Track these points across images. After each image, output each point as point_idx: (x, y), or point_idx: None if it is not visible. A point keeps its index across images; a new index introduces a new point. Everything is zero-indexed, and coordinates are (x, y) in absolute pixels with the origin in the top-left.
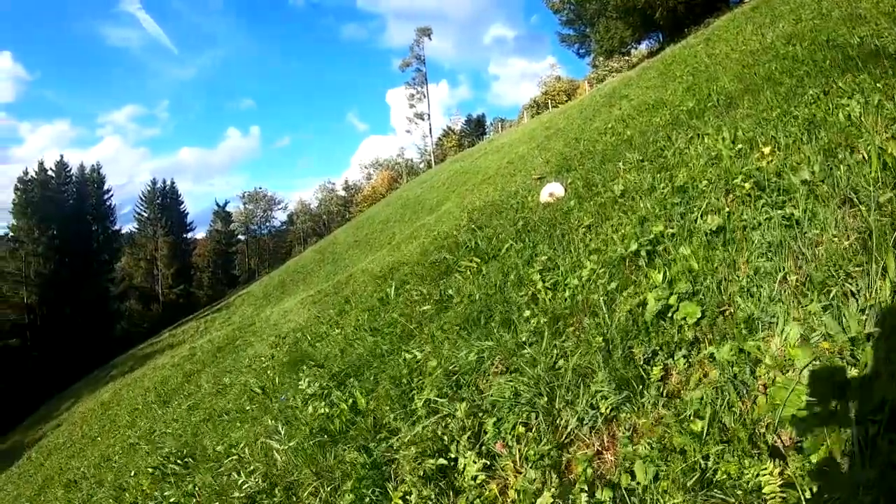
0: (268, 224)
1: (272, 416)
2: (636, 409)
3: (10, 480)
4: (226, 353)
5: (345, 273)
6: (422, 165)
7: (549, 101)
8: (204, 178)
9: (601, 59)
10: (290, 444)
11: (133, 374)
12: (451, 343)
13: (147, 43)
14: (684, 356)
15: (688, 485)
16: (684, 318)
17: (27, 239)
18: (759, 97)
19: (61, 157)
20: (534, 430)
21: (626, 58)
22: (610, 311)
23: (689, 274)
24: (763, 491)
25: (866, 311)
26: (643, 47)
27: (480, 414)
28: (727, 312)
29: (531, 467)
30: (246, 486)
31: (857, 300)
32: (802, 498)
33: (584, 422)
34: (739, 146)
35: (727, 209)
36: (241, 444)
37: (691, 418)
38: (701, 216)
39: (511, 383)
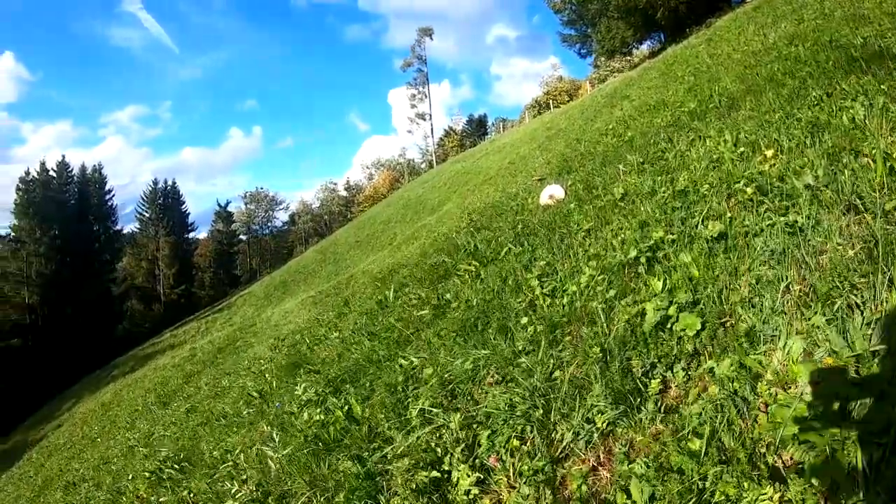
0: (269, 224)
1: (268, 421)
2: (633, 423)
3: (11, 481)
4: (226, 354)
5: (346, 274)
6: (423, 165)
7: (551, 102)
8: (206, 178)
9: (603, 59)
10: (285, 452)
11: (134, 375)
12: (448, 350)
13: (149, 43)
14: (683, 369)
15: None
16: (684, 330)
17: (29, 239)
18: (761, 98)
19: (63, 157)
20: (528, 443)
21: (628, 58)
22: (608, 320)
23: (690, 282)
24: None
25: (872, 326)
26: (645, 47)
27: (475, 425)
28: (728, 324)
29: (525, 483)
30: (240, 494)
31: (862, 313)
32: None
33: (580, 436)
34: (741, 149)
35: (729, 214)
36: (237, 450)
37: (689, 436)
38: (702, 221)
39: (506, 395)
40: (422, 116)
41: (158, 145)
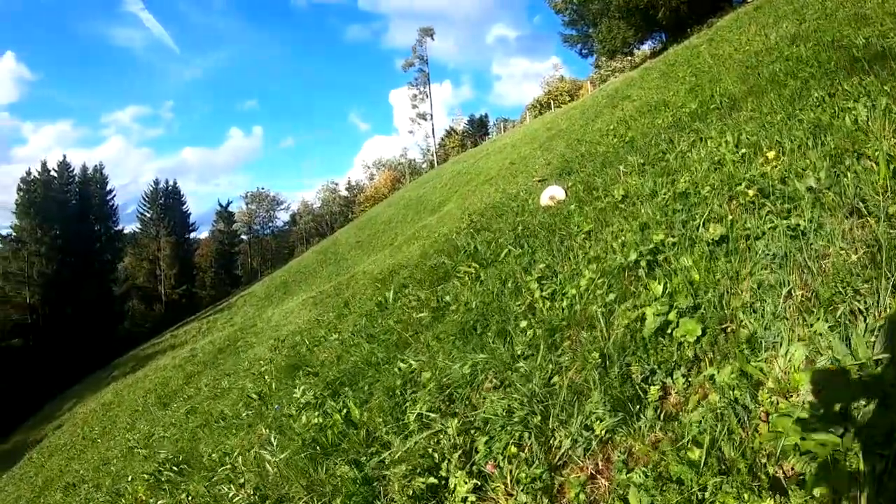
0: (270, 224)
1: (266, 423)
2: (632, 431)
3: (11, 481)
4: (227, 354)
5: (346, 274)
6: (424, 166)
7: (552, 102)
8: (208, 178)
9: (604, 59)
10: (282, 455)
11: (135, 375)
12: (446, 354)
13: (150, 43)
14: (683, 375)
15: None
16: (684, 336)
17: (30, 239)
18: (762, 99)
19: (64, 157)
20: (526, 450)
21: (629, 58)
22: (608, 324)
23: (690, 286)
24: None
25: (875, 333)
26: (646, 47)
27: (472, 431)
28: (729, 329)
29: (523, 490)
30: (237, 498)
31: (865, 320)
32: None
33: (578, 443)
34: (743, 150)
35: (730, 217)
36: (235, 453)
37: (689, 445)
38: (703, 224)
39: (504, 400)
40: (423, 116)
41: (160, 145)
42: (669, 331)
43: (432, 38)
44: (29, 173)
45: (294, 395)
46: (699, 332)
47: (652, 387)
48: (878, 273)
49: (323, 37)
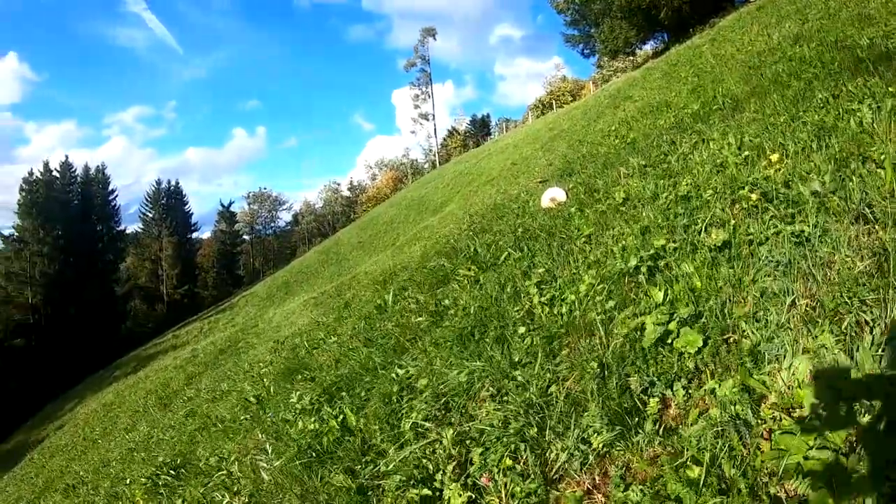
0: (273, 224)
1: (263, 428)
2: (630, 445)
3: (13, 481)
4: (227, 355)
5: (348, 275)
6: (426, 166)
7: (554, 102)
8: (210, 178)
9: (606, 59)
10: (277, 463)
11: (136, 376)
12: (444, 360)
13: (153, 43)
14: (684, 387)
15: None
16: (685, 347)
17: (32, 239)
18: (765, 100)
19: (66, 157)
20: (522, 463)
21: (631, 58)
22: (607, 332)
23: (692, 294)
24: None
25: (882, 347)
26: (648, 47)
27: (468, 442)
28: (731, 340)
29: None
30: None
31: (872, 332)
32: None
33: (575, 457)
34: (746, 153)
35: (733, 222)
36: (232, 458)
37: (688, 463)
38: (705, 229)
39: (500, 411)
40: (425, 117)
41: (162, 145)
42: (670, 341)
43: (434, 38)
44: (31, 173)
45: (290, 401)
46: (700, 344)
47: (651, 399)
48: (885, 283)
49: (326, 37)
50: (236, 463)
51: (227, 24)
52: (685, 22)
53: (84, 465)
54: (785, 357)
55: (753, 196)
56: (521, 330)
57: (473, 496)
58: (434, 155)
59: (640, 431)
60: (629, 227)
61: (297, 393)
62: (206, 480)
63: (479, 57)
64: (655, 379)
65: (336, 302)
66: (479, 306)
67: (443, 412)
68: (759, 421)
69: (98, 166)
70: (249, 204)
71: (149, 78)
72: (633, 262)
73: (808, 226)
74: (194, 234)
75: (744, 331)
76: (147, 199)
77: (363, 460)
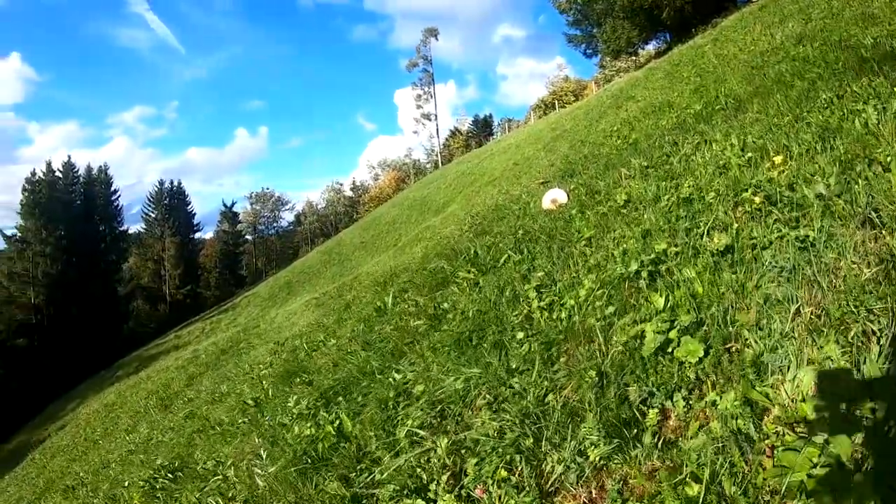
0: (275, 224)
1: (260, 432)
2: (628, 458)
3: (14, 482)
4: (229, 356)
5: (350, 275)
6: (429, 166)
7: (557, 102)
8: (213, 178)
9: (608, 59)
10: (272, 469)
11: (138, 376)
12: (441, 366)
13: (155, 44)
14: (684, 398)
15: None
16: (685, 356)
17: (34, 239)
18: (769, 100)
19: (69, 157)
20: (517, 474)
21: (634, 58)
22: (606, 340)
23: (693, 300)
24: None
25: (889, 360)
26: (650, 47)
27: (463, 451)
28: (733, 349)
29: None
30: None
31: (879, 342)
32: None
33: (571, 469)
34: (749, 154)
35: (735, 226)
36: (228, 462)
37: (687, 479)
38: (707, 233)
39: (495, 421)
40: (427, 117)
41: (165, 146)
42: (670, 350)
43: (436, 39)
44: (34, 174)
45: (287, 405)
46: (701, 353)
47: (651, 410)
48: (892, 291)
49: (328, 37)
50: (232, 468)
51: (228, 25)
52: (687, 22)
53: (84, 467)
54: (789, 369)
55: (757, 199)
56: (520, 335)
57: None
58: (436, 155)
59: (639, 445)
60: (630, 229)
61: (295, 397)
62: (203, 485)
63: (482, 57)
64: (655, 389)
65: (337, 303)
66: (477, 310)
67: (438, 420)
68: (762, 436)
69: (101, 166)
70: (252, 204)
71: (151, 78)
72: (633, 266)
73: (813, 230)
74: (197, 235)
75: (746, 340)
76: (149, 200)
77: (358, 468)
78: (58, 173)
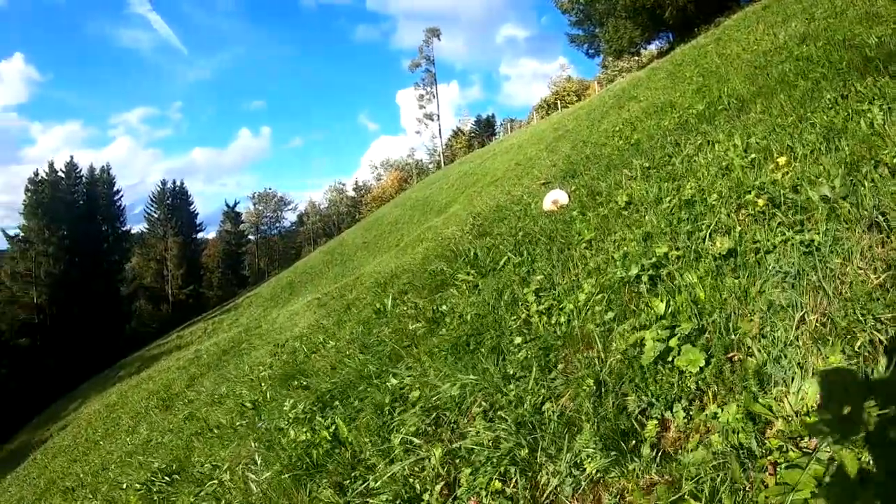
0: (278, 225)
1: (257, 436)
2: (626, 471)
3: (15, 482)
4: (230, 356)
5: (352, 276)
6: (431, 166)
7: (559, 102)
8: (215, 178)
9: (611, 59)
10: (266, 474)
11: (140, 376)
12: (437, 371)
13: (158, 44)
14: (684, 409)
15: None
16: (686, 366)
17: (37, 239)
18: (772, 100)
19: (71, 157)
20: (511, 486)
21: (636, 58)
22: (605, 346)
23: (695, 306)
24: None
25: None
26: (653, 47)
27: (457, 460)
28: (735, 359)
29: None
30: None
31: (887, 353)
32: None
33: (567, 482)
34: (752, 155)
35: (738, 229)
36: (225, 466)
37: (686, 497)
38: (709, 236)
39: (490, 430)
40: (430, 117)
41: (168, 146)
42: (670, 358)
43: (438, 39)
44: (37, 174)
45: (284, 409)
46: (702, 363)
47: (650, 421)
48: None
49: (330, 37)
50: (228, 472)
51: (231, 25)
52: (690, 21)
53: (84, 467)
54: (793, 380)
55: (760, 201)
56: (518, 340)
57: None
58: (439, 155)
59: (637, 457)
60: (631, 232)
61: (291, 401)
62: (198, 489)
63: (485, 57)
64: (654, 400)
65: (339, 303)
66: (475, 314)
67: (433, 427)
68: (764, 451)
69: (103, 167)
70: (254, 204)
71: (154, 79)
72: (634, 270)
73: (818, 234)
74: (199, 235)
75: (749, 348)
76: (152, 200)
77: (352, 475)
78: (60, 173)
